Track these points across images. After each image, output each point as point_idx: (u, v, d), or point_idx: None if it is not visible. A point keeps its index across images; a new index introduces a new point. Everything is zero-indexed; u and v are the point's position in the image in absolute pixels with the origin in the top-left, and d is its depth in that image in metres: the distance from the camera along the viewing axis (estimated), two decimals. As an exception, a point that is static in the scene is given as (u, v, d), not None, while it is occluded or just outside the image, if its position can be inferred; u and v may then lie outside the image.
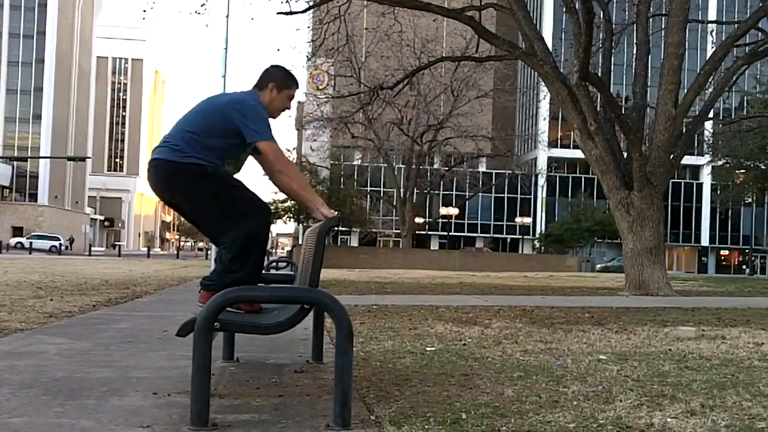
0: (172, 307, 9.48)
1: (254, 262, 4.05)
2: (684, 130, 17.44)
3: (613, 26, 18.96)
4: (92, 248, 63.03)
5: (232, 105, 4.06)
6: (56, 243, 65.66)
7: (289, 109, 4.36)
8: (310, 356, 5.08)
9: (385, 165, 49.92)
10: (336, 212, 4.04)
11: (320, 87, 48.50)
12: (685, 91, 16.73)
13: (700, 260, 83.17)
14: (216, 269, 4.15)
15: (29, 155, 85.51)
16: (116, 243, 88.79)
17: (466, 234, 79.53)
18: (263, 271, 4.55)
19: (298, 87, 4.33)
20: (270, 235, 4.25)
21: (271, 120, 4.20)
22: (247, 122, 3.98)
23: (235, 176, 4.23)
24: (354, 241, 71.14)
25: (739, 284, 24.29)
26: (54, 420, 3.18)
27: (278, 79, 4.20)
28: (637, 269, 15.42)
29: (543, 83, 17.26)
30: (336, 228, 52.54)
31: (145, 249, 71.15)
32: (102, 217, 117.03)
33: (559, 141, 76.06)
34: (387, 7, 22.44)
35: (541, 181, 75.76)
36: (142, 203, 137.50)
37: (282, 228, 77.10)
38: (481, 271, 32.13)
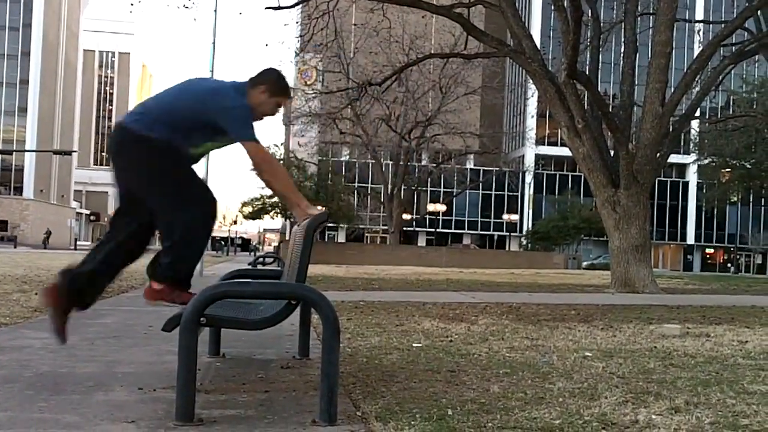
0: (158, 302, 9.42)
1: (192, 254, 3.95)
2: (671, 129, 17.53)
3: (601, 25, 19.04)
4: (78, 242, 62.65)
5: (215, 94, 3.90)
6: None
7: (273, 116, 4.16)
8: (297, 352, 5.07)
9: (373, 161, 49.94)
10: (323, 208, 3.99)
11: (308, 82, 48.38)
12: (672, 89, 16.82)
13: (686, 258, 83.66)
14: (162, 259, 4.00)
15: (14, 148, 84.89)
16: (102, 237, 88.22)
17: (453, 231, 79.65)
18: (251, 267, 4.52)
19: (290, 99, 4.17)
20: (212, 232, 4.13)
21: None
22: (230, 118, 3.82)
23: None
24: (341, 237, 71.11)
25: (724, 282, 24.48)
26: (38, 415, 3.16)
27: (273, 85, 4.02)
28: (623, 267, 15.50)
29: (531, 81, 17.30)
30: (324, 224, 52.16)
31: (132, 244, 70.68)
32: (88, 212, 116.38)
33: (546, 138, 76.25)
34: (376, 3, 22.42)
35: (529, 178, 75.96)
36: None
37: (269, 224, 76.94)
38: (468, 268, 32.21)
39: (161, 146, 3.83)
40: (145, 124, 3.87)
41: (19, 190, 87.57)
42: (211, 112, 3.84)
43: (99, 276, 4.06)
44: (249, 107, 3.90)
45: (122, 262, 4.14)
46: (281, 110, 4.13)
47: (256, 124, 3.99)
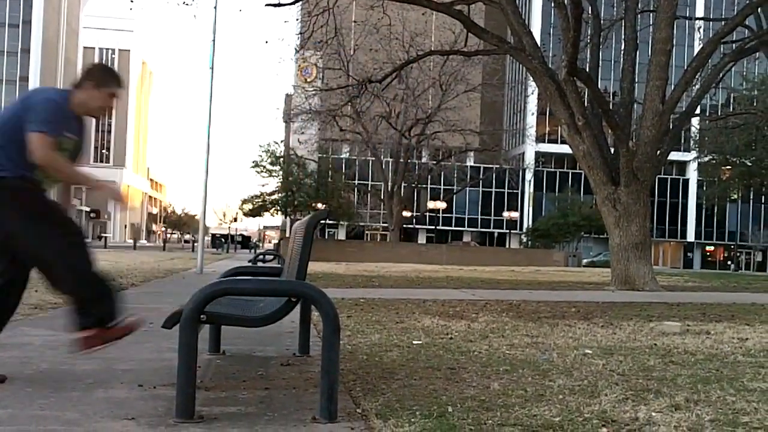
0: (158, 299, 9.45)
1: (89, 279, 3.81)
2: (671, 126, 17.52)
3: (602, 22, 19.03)
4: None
5: (23, 101, 3.79)
6: None
7: (111, 108, 4.04)
8: (297, 349, 5.07)
9: (373, 158, 49.90)
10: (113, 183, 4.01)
11: (308, 80, 48.36)
12: (673, 87, 16.80)
13: (686, 256, 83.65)
14: (73, 310, 3.82)
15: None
16: (102, 234, 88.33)
17: (453, 228, 79.61)
18: (251, 264, 4.52)
19: (120, 86, 4.02)
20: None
21: (92, 119, 3.99)
22: (28, 114, 3.66)
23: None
24: (341, 235, 71.05)
25: (724, 280, 24.48)
26: (38, 412, 3.16)
27: (98, 77, 3.94)
28: (623, 264, 15.49)
29: (531, 78, 17.29)
30: (324, 221, 52.44)
31: (131, 241, 70.86)
32: (88, 209, 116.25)
33: (546, 136, 76.20)
34: (376, 0, 22.42)
35: (529, 175, 75.96)
36: (129, 195, 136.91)
37: (269, 221, 76.82)
38: (468, 265, 32.21)
39: (13, 183, 3.68)
40: None
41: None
42: (24, 120, 3.69)
43: None
44: (56, 102, 3.77)
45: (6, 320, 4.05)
46: (115, 102, 3.99)
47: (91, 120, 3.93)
